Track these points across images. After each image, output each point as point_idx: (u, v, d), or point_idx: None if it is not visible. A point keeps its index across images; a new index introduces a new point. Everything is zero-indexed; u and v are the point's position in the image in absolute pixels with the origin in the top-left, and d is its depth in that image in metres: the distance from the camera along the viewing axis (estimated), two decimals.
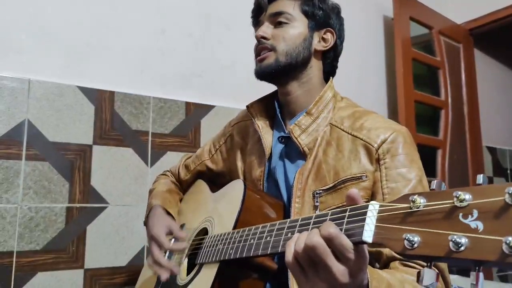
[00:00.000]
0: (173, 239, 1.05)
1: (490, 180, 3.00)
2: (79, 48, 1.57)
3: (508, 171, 3.20)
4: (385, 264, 0.84)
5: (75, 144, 1.51)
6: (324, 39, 1.03)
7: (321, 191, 0.91)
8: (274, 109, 1.07)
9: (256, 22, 1.08)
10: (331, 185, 0.90)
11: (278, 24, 1.01)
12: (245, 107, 1.11)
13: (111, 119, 1.60)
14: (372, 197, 0.88)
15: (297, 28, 1.00)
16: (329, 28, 1.03)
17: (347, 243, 0.54)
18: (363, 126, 0.93)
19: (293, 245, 0.58)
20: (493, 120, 3.09)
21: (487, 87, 3.07)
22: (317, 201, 0.90)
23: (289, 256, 0.58)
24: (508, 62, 3.36)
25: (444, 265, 0.83)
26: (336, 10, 1.07)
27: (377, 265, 0.85)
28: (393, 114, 2.49)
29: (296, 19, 1.00)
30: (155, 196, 1.20)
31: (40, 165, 1.44)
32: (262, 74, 1.01)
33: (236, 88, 1.90)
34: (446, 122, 2.63)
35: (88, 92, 1.56)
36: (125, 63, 1.67)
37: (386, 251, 0.83)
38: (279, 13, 1.00)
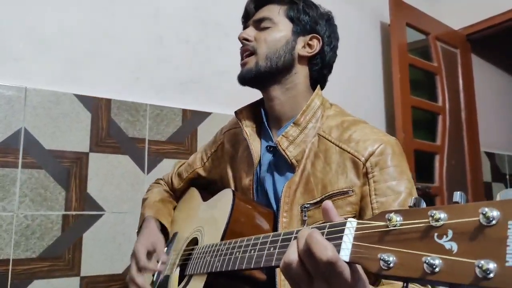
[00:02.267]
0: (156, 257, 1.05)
1: (489, 186, 3.00)
2: (76, 56, 1.58)
3: (507, 176, 3.19)
4: (375, 279, 0.82)
5: (71, 152, 1.52)
6: (309, 45, 1.02)
7: (309, 205, 0.89)
8: (262, 116, 1.07)
9: (245, 27, 1.09)
10: (318, 199, 0.89)
11: (262, 29, 1.02)
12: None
13: (108, 126, 1.60)
14: (361, 212, 0.86)
15: (280, 31, 1.00)
16: (315, 34, 1.02)
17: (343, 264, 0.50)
18: (351, 138, 0.91)
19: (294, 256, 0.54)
20: (491, 125, 3.09)
21: (485, 92, 3.08)
22: (305, 215, 0.89)
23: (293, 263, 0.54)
24: (506, 67, 3.36)
25: None
26: (327, 17, 1.06)
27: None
28: (390, 119, 2.49)
29: (280, 23, 1.00)
30: (148, 207, 1.19)
31: (36, 173, 1.45)
32: (243, 79, 1.02)
33: (233, 95, 1.89)
34: (443, 127, 2.63)
35: (85, 100, 1.57)
36: (122, 70, 1.68)
37: None
38: (263, 19, 1.01)
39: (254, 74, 0.99)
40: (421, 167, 2.44)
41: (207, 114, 1.85)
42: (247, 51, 1.01)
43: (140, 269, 1.01)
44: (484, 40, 2.96)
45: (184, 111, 1.79)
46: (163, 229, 1.15)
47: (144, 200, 1.27)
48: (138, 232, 1.16)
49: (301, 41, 1.01)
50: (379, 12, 2.58)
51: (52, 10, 1.55)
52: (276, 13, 1.01)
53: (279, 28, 1.00)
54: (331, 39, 1.05)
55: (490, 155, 3.06)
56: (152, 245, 1.05)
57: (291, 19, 1.01)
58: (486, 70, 3.20)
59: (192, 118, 1.81)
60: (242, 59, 1.03)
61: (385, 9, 2.47)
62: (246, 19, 1.09)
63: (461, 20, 2.87)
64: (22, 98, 1.46)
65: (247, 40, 1.01)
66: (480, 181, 2.81)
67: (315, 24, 1.03)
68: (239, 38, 1.03)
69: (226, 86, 1.91)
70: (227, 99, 1.90)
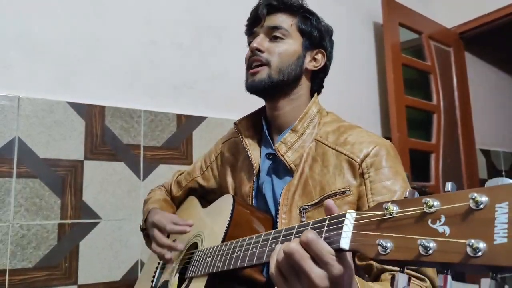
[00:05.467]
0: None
1: (485, 183, 3.01)
2: (68, 64, 1.58)
3: (503, 173, 3.20)
4: (375, 276, 0.84)
5: (66, 160, 1.51)
6: (315, 59, 1.05)
7: (307, 207, 0.91)
8: (262, 125, 1.09)
9: (251, 32, 1.07)
10: (317, 200, 0.91)
11: (273, 38, 1.01)
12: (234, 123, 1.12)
13: (102, 133, 1.60)
14: (358, 211, 0.88)
15: (292, 45, 1.01)
16: (321, 49, 1.06)
17: (325, 247, 0.55)
18: (346, 141, 0.94)
19: (276, 256, 0.59)
20: (486, 122, 3.10)
21: (479, 89, 3.09)
22: (303, 217, 0.91)
23: (272, 267, 0.60)
24: (499, 64, 3.38)
25: (433, 274, 0.83)
26: (330, 32, 1.09)
27: (367, 277, 0.86)
28: (385, 119, 2.50)
29: (292, 36, 1.01)
30: (153, 202, 1.22)
31: (31, 182, 1.44)
32: (255, 89, 1.01)
33: (228, 99, 1.91)
34: (438, 126, 2.64)
35: (78, 108, 1.56)
36: (115, 76, 1.68)
37: (376, 263, 0.83)
38: (276, 28, 1.01)
39: (267, 85, 0.99)
40: (417, 166, 2.44)
41: (202, 119, 1.85)
42: (258, 62, 1.00)
43: (169, 231, 1.04)
44: (477, 38, 2.97)
45: (179, 116, 1.79)
46: None
47: (146, 200, 1.28)
48: (143, 225, 1.18)
49: (308, 55, 1.04)
50: (372, 12, 2.59)
51: (43, 17, 1.54)
52: (289, 25, 1.01)
53: (292, 41, 1.01)
54: (331, 54, 1.09)
55: (486, 152, 3.07)
56: (169, 217, 1.07)
57: (302, 32, 1.03)
58: (480, 68, 3.21)
59: (187, 123, 1.81)
60: (250, 66, 1.02)
61: (377, 9, 2.47)
62: (254, 24, 1.06)
63: (454, 18, 2.88)
64: (15, 107, 1.45)
65: (259, 50, 1.00)
66: (476, 178, 2.82)
67: (322, 39, 1.06)
68: (251, 48, 1.01)
69: (220, 90, 1.91)
70: (222, 103, 1.90)
